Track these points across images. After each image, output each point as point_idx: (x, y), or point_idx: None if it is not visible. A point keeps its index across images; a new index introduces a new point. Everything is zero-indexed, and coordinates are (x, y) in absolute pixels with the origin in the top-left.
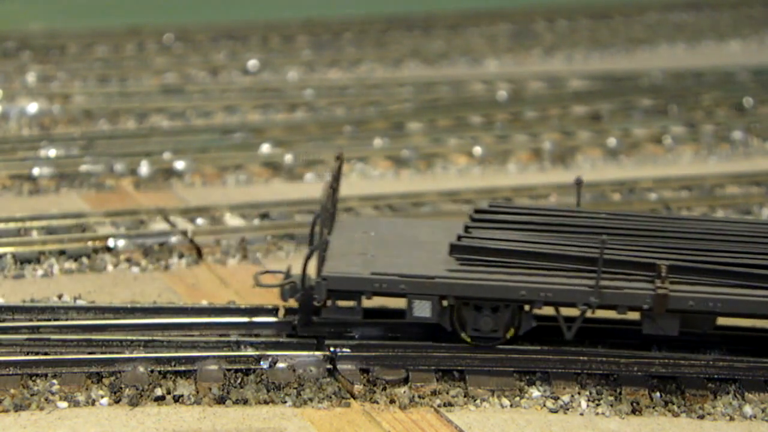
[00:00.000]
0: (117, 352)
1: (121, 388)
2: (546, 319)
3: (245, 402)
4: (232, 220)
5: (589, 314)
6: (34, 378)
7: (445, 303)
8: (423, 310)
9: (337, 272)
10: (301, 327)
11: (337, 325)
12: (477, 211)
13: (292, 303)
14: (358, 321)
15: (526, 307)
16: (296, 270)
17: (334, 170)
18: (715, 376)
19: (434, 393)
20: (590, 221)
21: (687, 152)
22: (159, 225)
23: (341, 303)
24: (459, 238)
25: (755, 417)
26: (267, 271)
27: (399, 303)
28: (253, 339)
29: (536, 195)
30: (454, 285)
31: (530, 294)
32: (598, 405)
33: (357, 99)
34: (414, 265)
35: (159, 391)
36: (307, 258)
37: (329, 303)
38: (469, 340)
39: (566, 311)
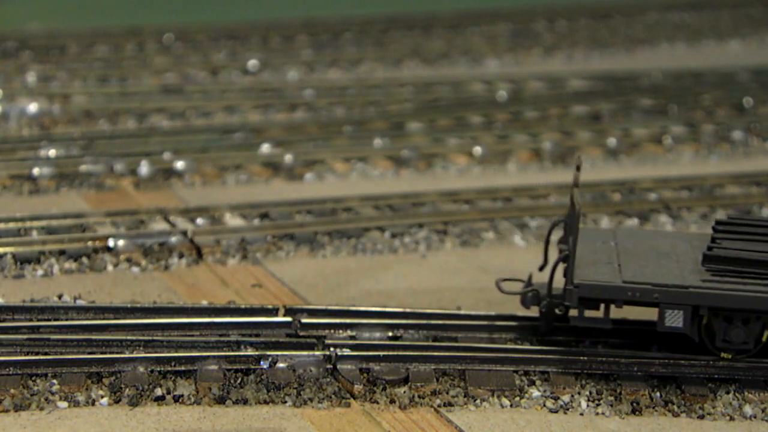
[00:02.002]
0: (117, 352)
1: (121, 388)
2: None
3: (245, 402)
4: (232, 220)
5: None
6: (34, 378)
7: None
8: (675, 320)
9: (589, 280)
10: (543, 335)
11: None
12: (719, 223)
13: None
14: (609, 329)
15: None
16: (536, 278)
17: (575, 178)
18: (715, 376)
19: (434, 393)
20: None
21: (687, 152)
22: (159, 225)
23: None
24: (710, 248)
25: (755, 417)
26: (507, 279)
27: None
28: (253, 339)
29: (536, 195)
30: (710, 295)
31: None
32: (598, 405)
33: (357, 99)
34: (663, 274)
35: (159, 391)
36: (554, 266)
37: (575, 311)
38: (720, 353)
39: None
